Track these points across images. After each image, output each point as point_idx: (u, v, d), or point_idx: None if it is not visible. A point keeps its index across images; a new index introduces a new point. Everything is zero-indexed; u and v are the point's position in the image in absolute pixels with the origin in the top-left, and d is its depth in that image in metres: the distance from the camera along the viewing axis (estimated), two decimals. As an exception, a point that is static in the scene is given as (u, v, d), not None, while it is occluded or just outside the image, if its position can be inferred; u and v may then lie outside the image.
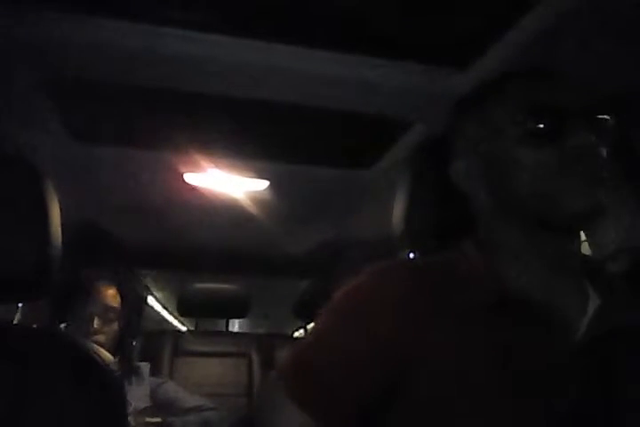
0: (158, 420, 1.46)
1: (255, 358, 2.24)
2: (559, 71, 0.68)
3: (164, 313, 5.46)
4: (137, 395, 1.49)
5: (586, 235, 1.11)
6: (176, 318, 5.63)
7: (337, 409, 0.58)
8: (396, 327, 0.59)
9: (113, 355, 1.47)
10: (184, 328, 4.92)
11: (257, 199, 1.88)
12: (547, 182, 0.61)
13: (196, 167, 1.62)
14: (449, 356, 0.57)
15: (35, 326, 1.44)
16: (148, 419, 1.44)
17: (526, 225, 0.64)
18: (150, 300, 4.67)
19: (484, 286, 0.61)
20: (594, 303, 0.63)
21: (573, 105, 0.63)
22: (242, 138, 1.54)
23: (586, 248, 1.13)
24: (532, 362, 0.57)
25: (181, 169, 1.64)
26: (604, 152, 0.62)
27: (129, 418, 1.30)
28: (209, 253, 2.55)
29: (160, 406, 1.56)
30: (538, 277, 0.63)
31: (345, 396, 0.58)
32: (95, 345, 1.39)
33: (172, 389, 1.65)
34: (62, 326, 1.43)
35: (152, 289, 4.35)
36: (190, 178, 1.70)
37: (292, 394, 0.60)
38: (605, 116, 0.64)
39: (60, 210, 0.78)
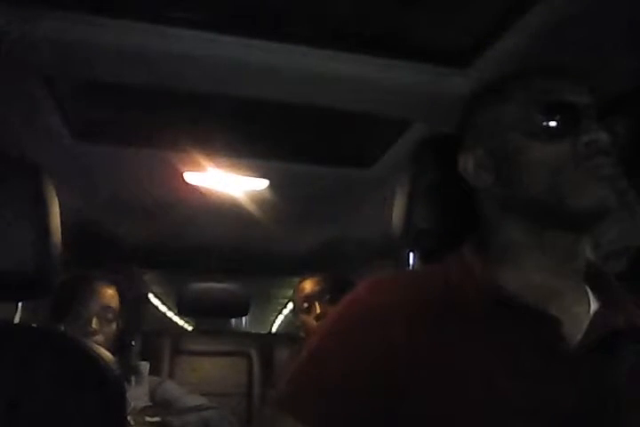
0: (157, 419, 1.46)
1: (255, 357, 2.25)
2: (571, 70, 0.69)
3: (168, 312, 5.48)
4: (136, 394, 1.49)
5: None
6: (180, 317, 5.65)
7: (337, 423, 0.58)
8: (394, 342, 0.59)
9: (112, 354, 1.47)
10: (189, 327, 4.92)
11: (257, 199, 1.88)
12: (557, 178, 0.61)
13: (195, 166, 1.62)
14: (449, 366, 0.57)
15: (35, 325, 1.43)
16: (148, 418, 1.44)
17: (534, 222, 0.64)
18: (153, 299, 4.67)
19: (480, 292, 0.61)
20: (593, 306, 0.63)
21: (586, 102, 0.63)
22: (242, 137, 1.54)
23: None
24: (531, 367, 0.57)
25: (181, 168, 1.64)
26: (615, 150, 0.62)
27: (128, 418, 1.30)
28: (208, 252, 2.55)
29: (159, 405, 1.56)
30: (538, 280, 0.63)
31: (346, 409, 0.58)
32: (95, 344, 1.39)
33: (171, 388, 1.65)
34: (61, 326, 1.43)
35: (155, 288, 4.35)
36: (190, 177, 1.70)
37: (292, 409, 0.60)
38: (617, 116, 0.65)
39: (60, 209, 0.78)
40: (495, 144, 0.67)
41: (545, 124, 0.62)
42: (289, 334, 2.81)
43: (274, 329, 6.27)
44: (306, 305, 1.78)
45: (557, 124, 0.62)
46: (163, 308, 5.29)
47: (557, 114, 0.62)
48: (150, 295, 4.38)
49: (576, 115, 0.62)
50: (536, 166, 0.62)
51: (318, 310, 1.72)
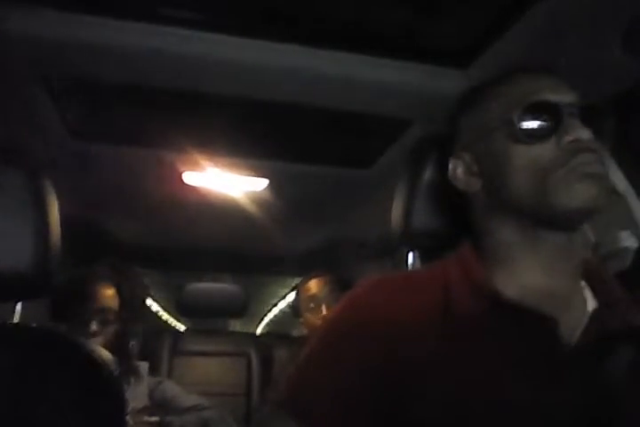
0: (156, 419, 1.46)
1: (254, 357, 2.24)
2: (554, 69, 0.68)
3: (163, 314, 5.46)
4: (135, 394, 1.49)
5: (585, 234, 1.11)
6: (175, 318, 5.63)
7: (337, 424, 0.58)
8: (394, 343, 0.59)
9: (112, 355, 1.47)
10: (182, 327, 4.91)
11: (256, 198, 1.88)
12: (543, 179, 0.60)
13: (194, 166, 1.62)
14: (447, 368, 0.57)
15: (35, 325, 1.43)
16: (146, 418, 1.44)
17: (523, 223, 0.63)
18: (148, 300, 4.66)
19: (477, 294, 0.61)
20: (590, 306, 0.63)
21: (568, 101, 0.63)
22: (241, 137, 1.54)
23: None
24: (528, 369, 0.57)
25: (180, 168, 1.64)
26: (601, 148, 0.62)
27: (127, 418, 1.30)
28: (207, 252, 2.55)
29: (158, 405, 1.56)
30: (533, 281, 0.63)
31: (345, 410, 0.58)
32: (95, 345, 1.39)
33: (170, 388, 1.65)
34: (62, 326, 1.42)
35: (151, 289, 4.34)
36: (189, 177, 1.70)
37: (291, 410, 0.60)
38: (604, 114, 0.64)
39: (59, 209, 0.78)
40: (481, 149, 0.67)
41: (527, 126, 0.62)
42: (289, 335, 2.81)
43: (258, 330, 6.20)
44: (312, 305, 1.79)
45: (540, 126, 0.62)
46: (157, 308, 5.27)
47: (539, 115, 0.62)
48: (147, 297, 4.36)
49: (558, 114, 0.61)
50: (522, 170, 0.62)
51: (325, 312, 1.73)
